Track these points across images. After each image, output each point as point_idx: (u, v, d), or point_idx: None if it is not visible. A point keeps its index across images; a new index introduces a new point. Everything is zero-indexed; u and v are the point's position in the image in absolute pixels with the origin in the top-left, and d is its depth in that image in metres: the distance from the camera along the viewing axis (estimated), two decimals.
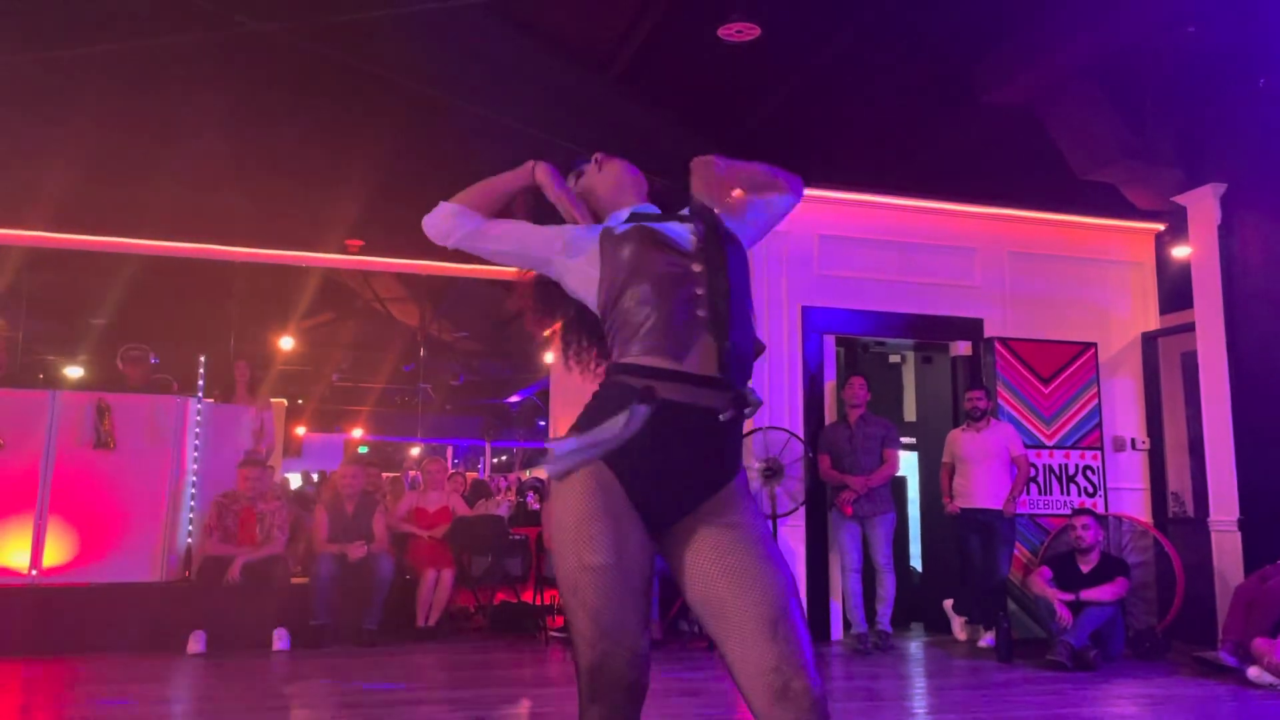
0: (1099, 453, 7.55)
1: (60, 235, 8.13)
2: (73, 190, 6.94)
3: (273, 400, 9.60)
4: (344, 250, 8.91)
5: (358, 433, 18.70)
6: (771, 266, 7.33)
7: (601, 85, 6.59)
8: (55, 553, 6.73)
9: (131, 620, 6.52)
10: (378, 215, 7.76)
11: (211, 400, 7.60)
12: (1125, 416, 7.88)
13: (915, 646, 7.02)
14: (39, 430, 6.85)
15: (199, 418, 7.29)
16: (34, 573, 6.66)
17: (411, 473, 12.78)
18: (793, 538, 6.95)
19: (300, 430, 16.47)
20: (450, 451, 21.06)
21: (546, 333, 2.25)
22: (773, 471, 6.67)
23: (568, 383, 10.68)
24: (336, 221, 7.92)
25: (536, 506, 8.80)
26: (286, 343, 13.04)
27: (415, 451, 20.64)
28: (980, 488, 6.87)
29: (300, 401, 16.10)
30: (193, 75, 5.77)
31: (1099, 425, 7.59)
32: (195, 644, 6.28)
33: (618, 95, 6.75)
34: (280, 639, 6.45)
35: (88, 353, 12.65)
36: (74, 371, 13.02)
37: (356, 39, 5.45)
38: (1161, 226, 8.02)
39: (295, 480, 13.98)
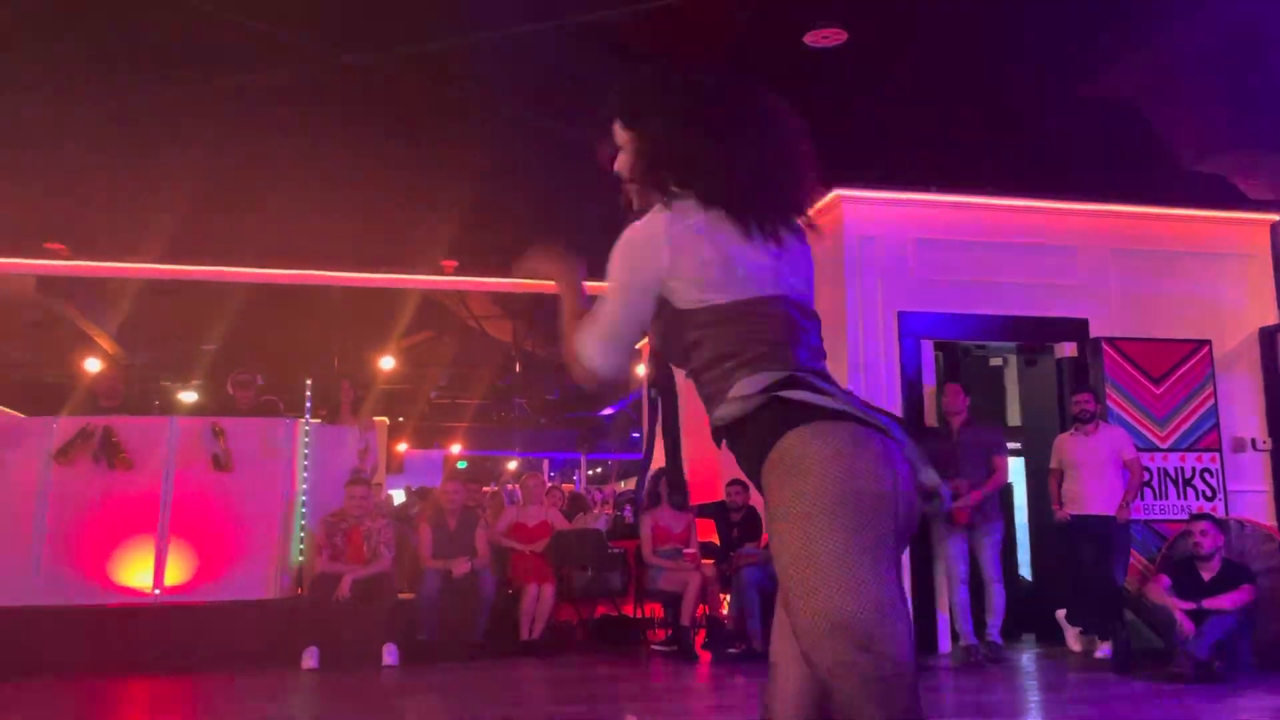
0: (1217, 454, 7.23)
1: (173, 266, 8.50)
2: (183, 223, 7.26)
3: (375, 419, 9.86)
4: (439, 271, 9.10)
5: (456, 448, 19.06)
6: (865, 272, 7.23)
7: None
8: (176, 572, 7.01)
9: (248, 637, 6.74)
10: (472, 236, 7.91)
11: (318, 421, 7.83)
12: (1244, 416, 7.53)
13: (1027, 659, 6.81)
14: (159, 454, 7.16)
15: (307, 438, 7.52)
16: (157, 592, 6.95)
17: (510, 486, 12.96)
18: None
19: (401, 447, 16.88)
20: (546, 465, 21.31)
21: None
22: None
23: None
24: (432, 243, 8.11)
25: (633, 520, 8.82)
26: (387, 362, 13.37)
27: (512, 465, 20.93)
28: (1092, 494, 6.64)
29: (401, 419, 16.49)
30: (294, 108, 5.99)
31: (1216, 426, 7.27)
32: (309, 660, 6.46)
33: None
34: (389, 654, 6.60)
35: (199, 378, 13.18)
36: (187, 396, 13.58)
37: (448, 66, 5.59)
38: (1276, 216, 7.66)
39: (399, 496, 14.33)
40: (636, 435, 19.21)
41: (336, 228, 7.54)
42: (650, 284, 1.80)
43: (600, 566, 7.71)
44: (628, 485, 17.49)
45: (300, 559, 7.21)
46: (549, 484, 11.30)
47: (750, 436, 1.73)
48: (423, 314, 12.14)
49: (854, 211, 7.21)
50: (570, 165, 7.03)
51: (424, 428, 17.72)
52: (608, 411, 19.38)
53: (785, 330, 1.79)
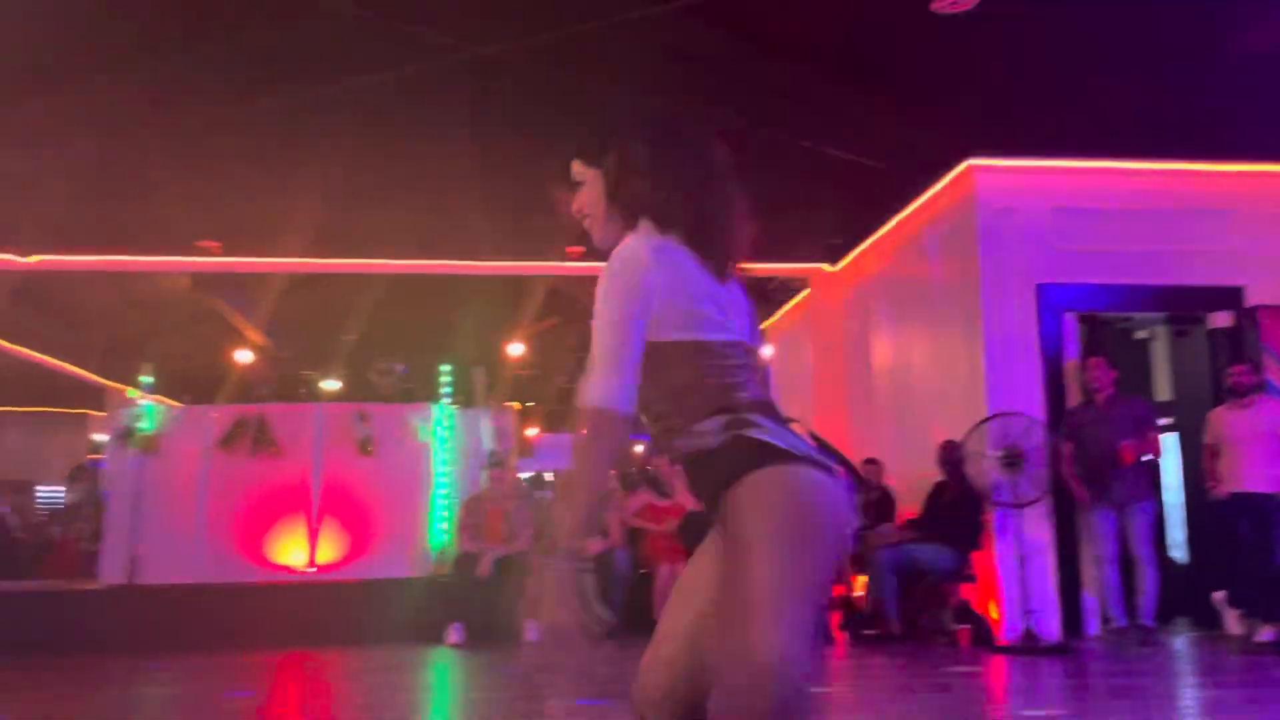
0: None
1: (316, 260, 8.88)
2: (326, 218, 7.58)
3: (507, 404, 10.11)
4: (565, 258, 9.24)
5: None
6: (1001, 245, 6.99)
7: (811, 75, 6.52)
8: (327, 551, 7.38)
9: (395, 613, 7.04)
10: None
11: (455, 406, 8.09)
12: None
13: (1182, 643, 6.52)
14: (308, 440, 7.54)
15: (445, 423, 7.78)
16: (311, 570, 7.33)
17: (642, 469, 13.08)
18: (1038, 528, 6.60)
19: (531, 431, 17.24)
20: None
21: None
22: (1012, 460, 6.37)
23: (788, 379, 10.65)
24: (559, 231, 8.24)
25: None
26: (517, 349, 13.67)
27: (638, 449, 21.09)
28: (1250, 470, 6.30)
29: (530, 404, 16.84)
30: (427, 103, 6.18)
31: None
32: (453, 635, 6.70)
33: (828, 83, 6.66)
34: (531, 630, 6.77)
35: (342, 367, 13.75)
36: (330, 385, 14.19)
37: (570, 53, 5.66)
38: None
39: (528, 481, 14.64)
40: None
41: (468, 219, 7.74)
42: (646, 310, 1.80)
43: None
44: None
45: (442, 539, 7.47)
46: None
47: (716, 467, 1.80)
48: (550, 301, 12.36)
49: (987, 181, 6.98)
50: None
51: (553, 412, 18.04)
52: None
53: (740, 370, 1.86)
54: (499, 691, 5.23)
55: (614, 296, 1.79)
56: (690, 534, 7.64)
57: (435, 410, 7.81)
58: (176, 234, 8.38)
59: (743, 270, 1.97)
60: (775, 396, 1.95)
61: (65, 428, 14.73)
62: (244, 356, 12.32)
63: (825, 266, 9.34)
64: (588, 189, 1.96)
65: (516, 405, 12.43)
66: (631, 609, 7.15)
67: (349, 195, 7.39)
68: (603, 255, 1.91)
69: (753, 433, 1.78)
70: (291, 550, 7.37)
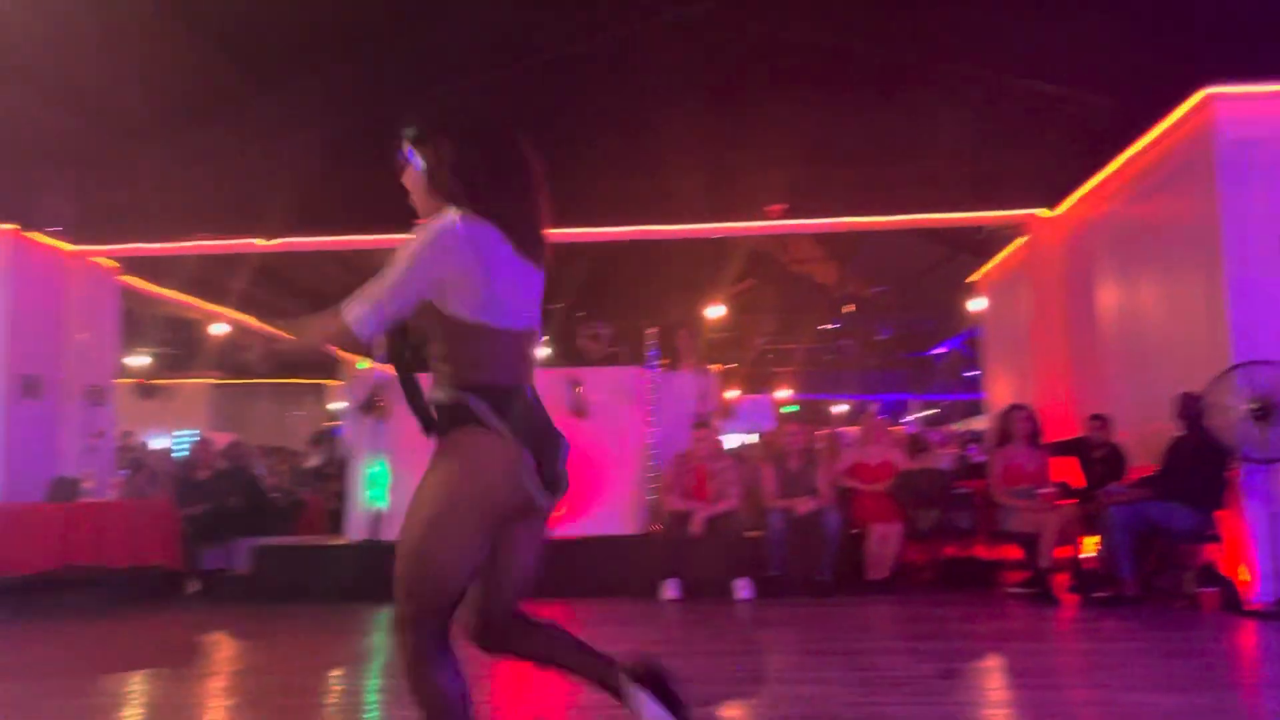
0: None
1: None
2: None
3: (710, 365, 10.20)
4: (764, 217, 9.19)
5: (785, 393, 19.25)
6: (1247, 180, 6.35)
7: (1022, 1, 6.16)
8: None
9: (614, 568, 7.29)
10: (800, 180, 7.92)
11: (661, 368, 8.24)
12: None
13: None
14: None
15: (652, 385, 7.95)
16: None
17: (845, 429, 12.94)
18: None
19: (732, 393, 17.33)
20: (875, 407, 20.97)
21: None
22: (1263, 411, 5.87)
23: (1002, 332, 10.19)
24: (760, 189, 8.21)
25: (983, 458, 8.51)
26: (716, 311, 13.75)
27: (842, 408, 20.84)
28: None
29: (730, 365, 16.91)
30: (627, 70, 6.28)
31: None
32: (669, 590, 6.88)
33: (1039, 9, 6.28)
34: (742, 588, 6.88)
35: (550, 333, 14.26)
36: (541, 352, 14.76)
37: (778, 9, 5.61)
38: None
39: (731, 441, 14.75)
40: (969, 374, 18.41)
41: (670, 183, 7.84)
42: (434, 284, 2.19)
43: (947, 506, 7.54)
44: (967, 425, 16.84)
45: (654, 497, 7.66)
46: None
47: (445, 416, 2.28)
48: (748, 261, 12.35)
49: (1229, 111, 6.38)
50: (907, 97, 6.86)
51: (753, 374, 18.05)
52: (939, 350, 18.71)
53: (508, 356, 2.30)
54: (711, 646, 5.33)
55: (410, 256, 2.17)
56: (904, 493, 7.51)
57: (642, 373, 7.99)
58: (394, 212, 8.89)
59: (545, 259, 2.35)
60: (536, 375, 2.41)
61: (307, 398, 16.02)
62: None
63: (1043, 211, 8.85)
64: (411, 170, 2.35)
65: (717, 367, 12.51)
66: (845, 568, 7.15)
67: (553, 166, 7.62)
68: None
69: (468, 401, 2.24)
70: None
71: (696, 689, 4.13)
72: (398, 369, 2.37)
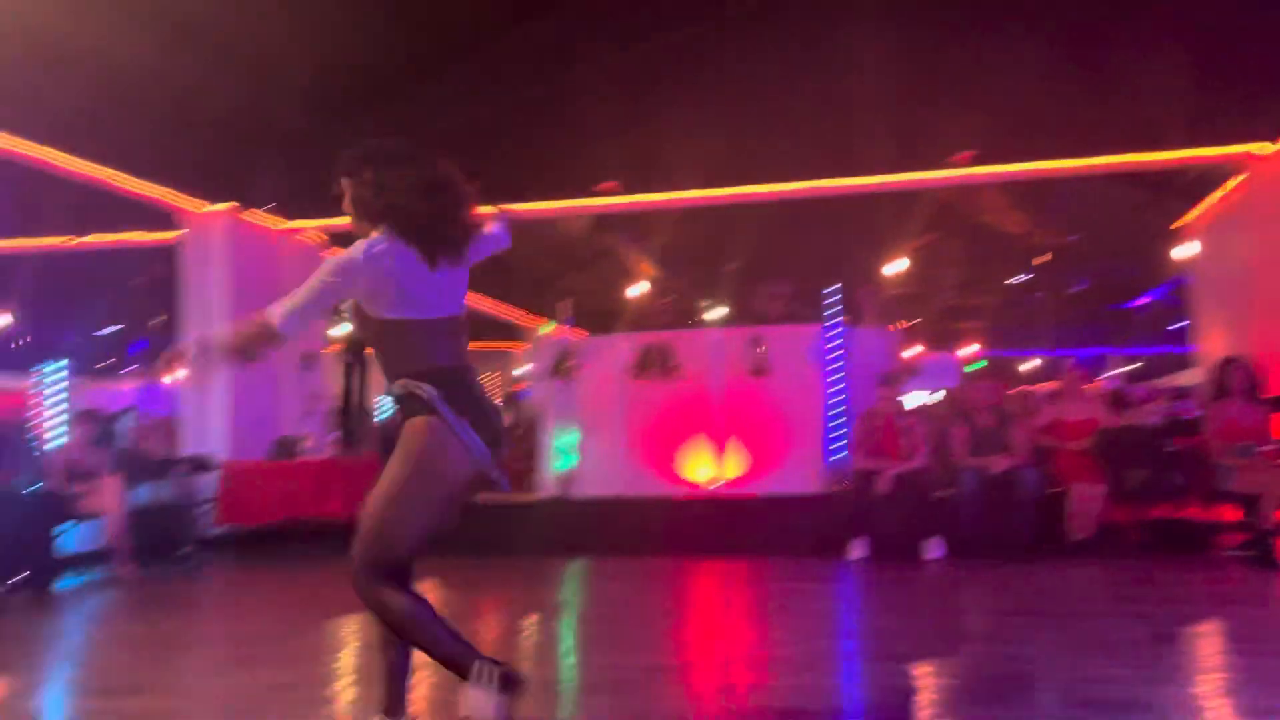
0: None
1: (708, 192, 9.25)
2: (718, 150, 7.86)
3: (893, 322, 9.95)
4: (950, 166, 8.85)
5: (971, 349, 18.56)
6: None
7: None
8: (732, 468, 7.78)
9: (798, 527, 7.28)
10: (989, 126, 7.58)
11: (844, 325, 8.11)
12: None
13: None
14: (706, 364, 7.95)
15: (835, 342, 7.84)
16: (716, 486, 7.78)
17: (1039, 386, 12.37)
18: None
19: (915, 350, 16.85)
20: (1072, 362, 19.91)
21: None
22: None
23: (1215, 280, 9.46)
24: (949, 137, 7.92)
25: (1199, 413, 7.96)
26: (898, 266, 13.37)
27: (1033, 365, 19.92)
28: None
29: (913, 322, 16.42)
30: (812, 22, 6.16)
31: None
32: (856, 550, 6.82)
33: None
34: (933, 548, 6.73)
35: (729, 294, 14.27)
36: (718, 313, 14.78)
37: None
38: None
39: (914, 401, 14.37)
40: (1174, 327, 17.19)
41: (853, 136, 7.66)
42: (341, 296, 2.70)
43: (1156, 465, 7.11)
44: (1173, 380, 15.77)
45: (840, 456, 7.59)
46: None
47: (404, 406, 2.74)
48: (931, 214, 11.92)
49: None
50: (1106, 30, 6.42)
51: (937, 330, 17.47)
52: (1140, 301, 17.52)
53: (439, 341, 2.73)
54: (900, 605, 5.26)
55: (329, 275, 2.62)
56: (1108, 451, 7.16)
57: (824, 330, 7.89)
58: (579, 179, 9.10)
59: (464, 256, 2.78)
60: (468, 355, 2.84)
61: (495, 361, 16.67)
62: (640, 290, 13.17)
63: (1263, 146, 8.12)
64: (346, 197, 2.83)
65: (900, 323, 12.17)
66: (1044, 529, 6.87)
67: (739, 126, 7.60)
68: None
69: (416, 391, 2.68)
70: (698, 467, 7.85)
71: (889, 646, 4.11)
72: (345, 373, 3.05)
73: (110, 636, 5.32)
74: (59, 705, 3.76)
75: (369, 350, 2.97)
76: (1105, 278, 16.84)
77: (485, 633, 4.90)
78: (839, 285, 7.98)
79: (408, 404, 2.70)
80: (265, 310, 2.60)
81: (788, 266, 10.91)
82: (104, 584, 6.79)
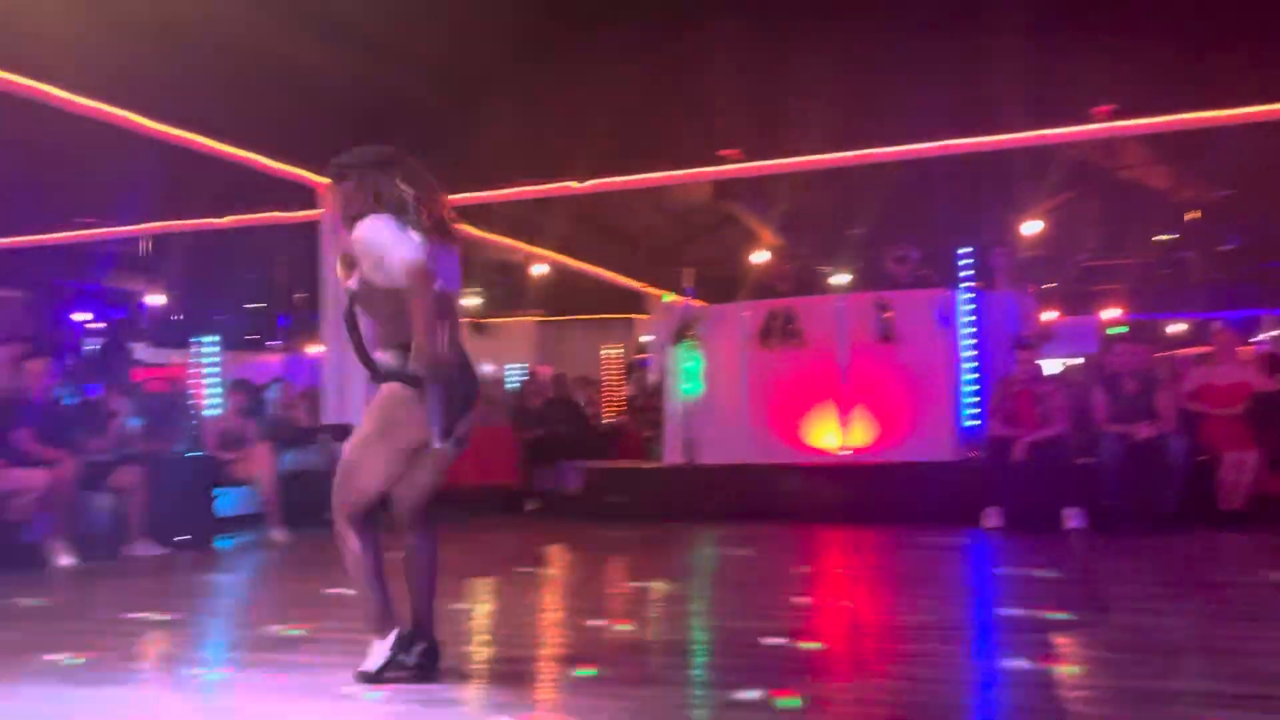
0: None
1: (826, 156, 9.08)
2: (840, 112, 7.71)
3: (1028, 285, 9.58)
4: (1089, 120, 8.44)
5: (1112, 312, 17.74)
6: None
7: None
8: (858, 435, 7.67)
9: (929, 495, 7.14)
10: (1132, 75, 7.20)
11: (976, 289, 7.87)
12: None
13: None
14: (831, 330, 7.84)
15: (967, 307, 7.61)
16: (843, 453, 7.69)
17: (1187, 350, 11.77)
18: None
19: (1050, 315, 16.21)
20: (1220, 324, 18.82)
21: None
22: None
23: None
24: (1084, 89, 7.56)
25: None
26: (1032, 226, 12.87)
27: (1179, 328, 18.91)
28: None
29: (1048, 285, 15.79)
30: None
31: None
32: (991, 519, 6.65)
33: None
34: (1073, 517, 6.51)
35: (851, 260, 14.02)
36: (841, 279, 14.55)
37: None
38: None
39: (1051, 366, 13.84)
40: None
41: (985, 89, 7.39)
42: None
43: None
44: None
45: (972, 423, 7.39)
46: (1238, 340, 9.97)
47: (385, 372, 3.10)
48: (1067, 172, 11.41)
49: None
50: None
51: (1074, 293, 16.75)
52: None
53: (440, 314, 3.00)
54: (1052, 570, 5.11)
55: (385, 230, 2.99)
56: (1264, 417, 6.76)
57: (955, 294, 7.67)
58: (702, 147, 9.06)
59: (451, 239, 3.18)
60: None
61: (617, 331, 16.83)
62: (762, 256, 13.06)
63: None
64: (336, 194, 3.23)
65: (1037, 287, 11.72)
66: (1193, 498, 6.56)
67: (870, 85, 7.43)
68: None
69: (397, 365, 3.04)
70: (824, 434, 7.78)
71: (1028, 615, 4.00)
72: (349, 330, 3.13)
73: (265, 589, 5.65)
74: (222, 641, 4.02)
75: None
76: (1258, 235, 15.82)
77: (613, 597, 4.99)
78: (971, 247, 7.74)
79: (389, 372, 3.06)
80: (412, 262, 2.90)
81: (916, 229, 10.64)
82: (257, 544, 7.19)
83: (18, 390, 6.74)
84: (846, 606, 4.51)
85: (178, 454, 7.57)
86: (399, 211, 3.05)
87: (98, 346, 10.34)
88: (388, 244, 2.95)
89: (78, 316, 12.55)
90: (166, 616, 4.39)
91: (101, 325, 12.25)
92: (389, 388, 3.07)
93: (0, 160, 8.42)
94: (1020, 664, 3.19)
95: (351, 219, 3.11)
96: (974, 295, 7.68)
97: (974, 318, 7.58)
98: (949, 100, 7.79)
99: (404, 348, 2.98)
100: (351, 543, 3.19)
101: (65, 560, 6.21)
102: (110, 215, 10.58)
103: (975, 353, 7.53)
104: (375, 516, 3.23)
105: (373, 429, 3.11)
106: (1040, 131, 8.46)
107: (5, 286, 12.55)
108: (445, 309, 3.08)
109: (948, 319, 7.59)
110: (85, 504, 6.91)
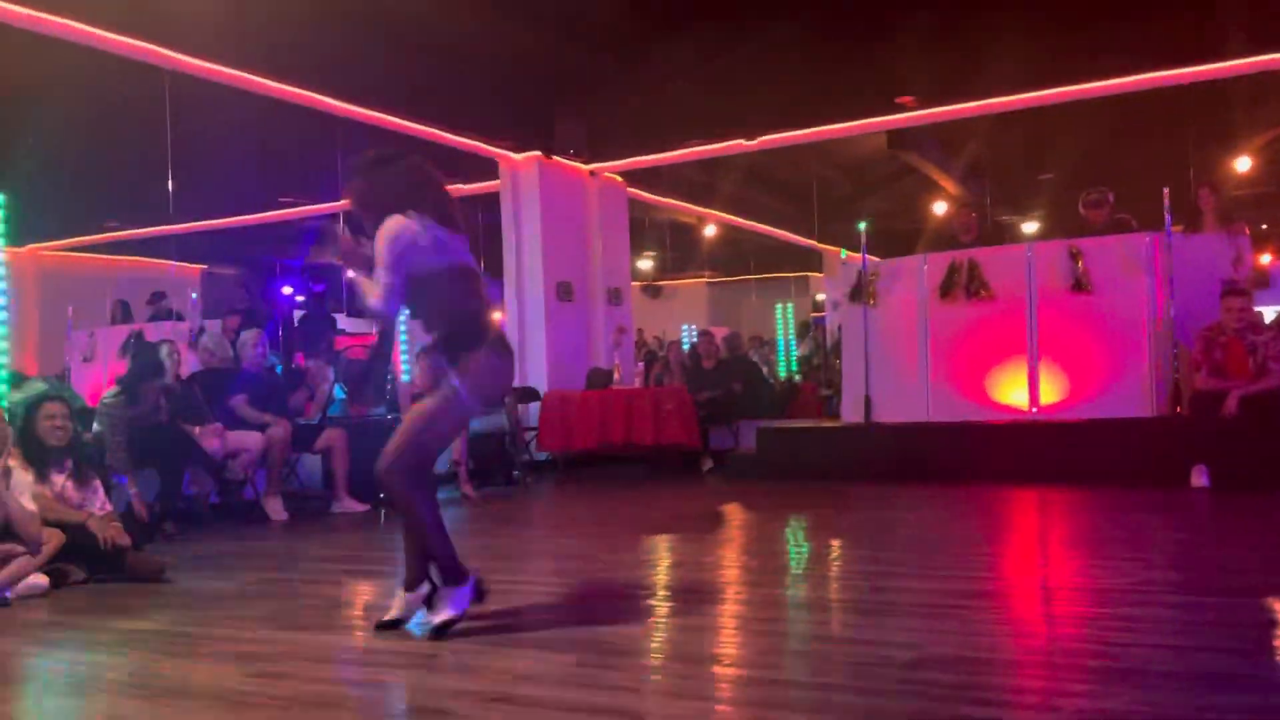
0: None
1: (1017, 97, 8.63)
2: (1024, 51, 7.30)
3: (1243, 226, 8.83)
4: None
5: None
6: None
7: None
8: (1050, 391, 7.32)
9: (1126, 453, 6.75)
10: None
11: (1178, 232, 7.33)
12: None
13: None
14: (1019, 282, 7.48)
15: (1168, 252, 7.11)
16: (1033, 410, 7.36)
17: None
18: None
19: (1265, 259, 14.89)
20: None
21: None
22: None
23: None
24: None
25: None
26: (1243, 164, 11.83)
27: None
28: None
29: (1264, 226, 14.51)
30: None
31: None
32: (1198, 478, 6.24)
33: None
34: None
35: (1040, 208, 13.30)
36: (1028, 228, 13.84)
37: None
38: None
39: (1269, 313, 12.73)
40: None
41: (1193, 15, 6.83)
42: (411, 251, 3.29)
43: None
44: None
45: (1175, 376, 6.92)
46: None
47: (442, 346, 3.38)
48: None
49: None
50: None
51: None
52: None
53: (470, 284, 3.44)
54: (1250, 539, 4.75)
55: (387, 248, 3.28)
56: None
57: (1156, 238, 7.16)
58: (876, 95, 8.79)
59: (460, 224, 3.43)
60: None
61: (792, 289, 16.66)
62: (942, 207, 12.59)
63: None
64: (353, 194, 3.50)
65: (1247, 228, 10.77)
66: None
67: (1063, 18, 7.01)
68: None
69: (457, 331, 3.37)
70: (1012, 391, 7.46)
71: (1232, 580, 3.74)
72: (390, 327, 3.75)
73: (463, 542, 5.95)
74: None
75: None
76: None
77: (792, 554, 4.99)
78: (1168, 189, 7.19)
79: (450, 344, 3.33)
80: (372, 301, 3.36)
81: (1111, 171, 9.99)
82: (449, 502, 7.59)
83: (234, 360, 7.34)
84: (1033, 568, 4.35)
85: (377, 416, 8.06)
86: (411, 204, 3.31)
87: (303, 318, 11.08)
88: (382, 261, 3.28)
89: (286, 290, 13.46)
90: (372, 567, 4.72)
91: (305, 298, 13.10)
92: (464, 361, 3.32)
93: (222, 149, 9.15)
94: (1214, 630, 2.99)
95: (374, 212, 3.37)
96: (1174, 240, 7.15)
97: (1175, 263, 7.07)
98: (1155, 28, 7.22)
99: (459, 317, 3.34)
100: (420, 499, 3.35)
101: (279, 515, 6.75)
102: (311, 195, 11.29)
103: (1176, 301, 7.02)
104: (433, 475, 3.51)
105: (440, 409, 3.34)
106: (1256, 58, 7.75)
107: (221, 264, 13.64)
108: (473, 281, 3.42)
109: (1147, 265, 7.11)
110: (296, 464, 7.48)
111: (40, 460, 4.60)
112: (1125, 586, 3.68)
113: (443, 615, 3.26)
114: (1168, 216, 7.18)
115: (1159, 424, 6.82)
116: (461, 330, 3.33)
